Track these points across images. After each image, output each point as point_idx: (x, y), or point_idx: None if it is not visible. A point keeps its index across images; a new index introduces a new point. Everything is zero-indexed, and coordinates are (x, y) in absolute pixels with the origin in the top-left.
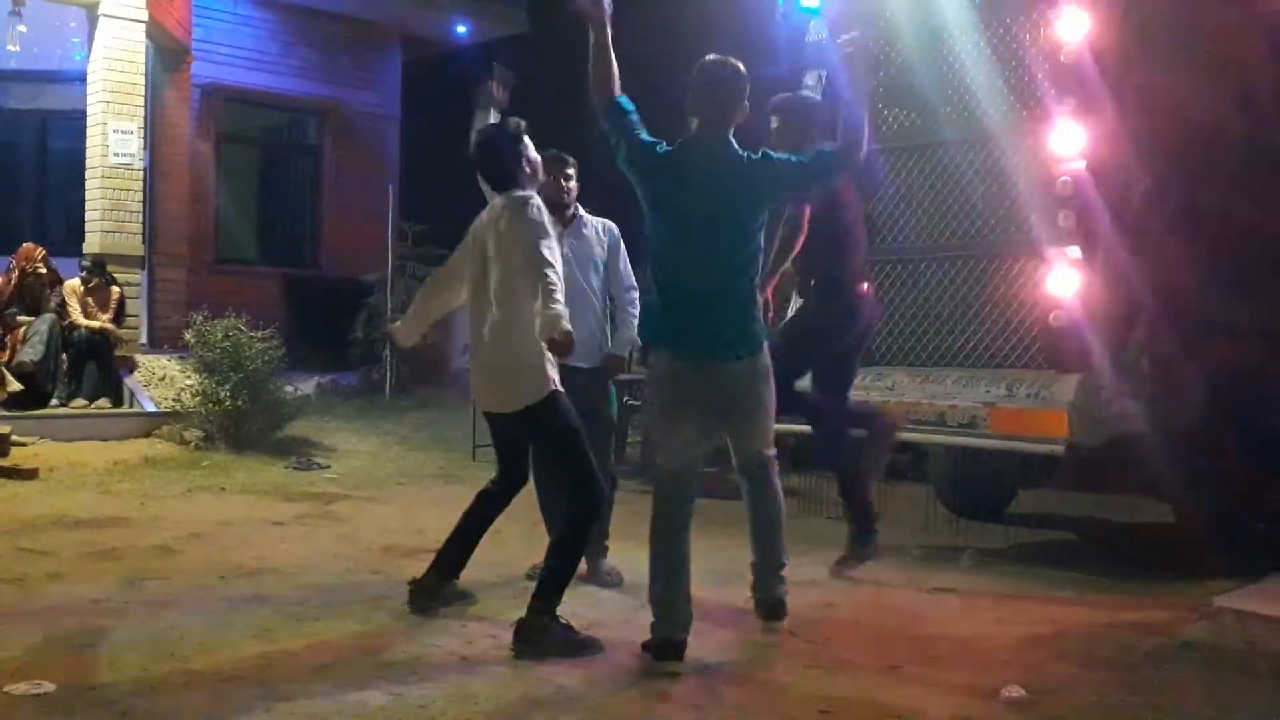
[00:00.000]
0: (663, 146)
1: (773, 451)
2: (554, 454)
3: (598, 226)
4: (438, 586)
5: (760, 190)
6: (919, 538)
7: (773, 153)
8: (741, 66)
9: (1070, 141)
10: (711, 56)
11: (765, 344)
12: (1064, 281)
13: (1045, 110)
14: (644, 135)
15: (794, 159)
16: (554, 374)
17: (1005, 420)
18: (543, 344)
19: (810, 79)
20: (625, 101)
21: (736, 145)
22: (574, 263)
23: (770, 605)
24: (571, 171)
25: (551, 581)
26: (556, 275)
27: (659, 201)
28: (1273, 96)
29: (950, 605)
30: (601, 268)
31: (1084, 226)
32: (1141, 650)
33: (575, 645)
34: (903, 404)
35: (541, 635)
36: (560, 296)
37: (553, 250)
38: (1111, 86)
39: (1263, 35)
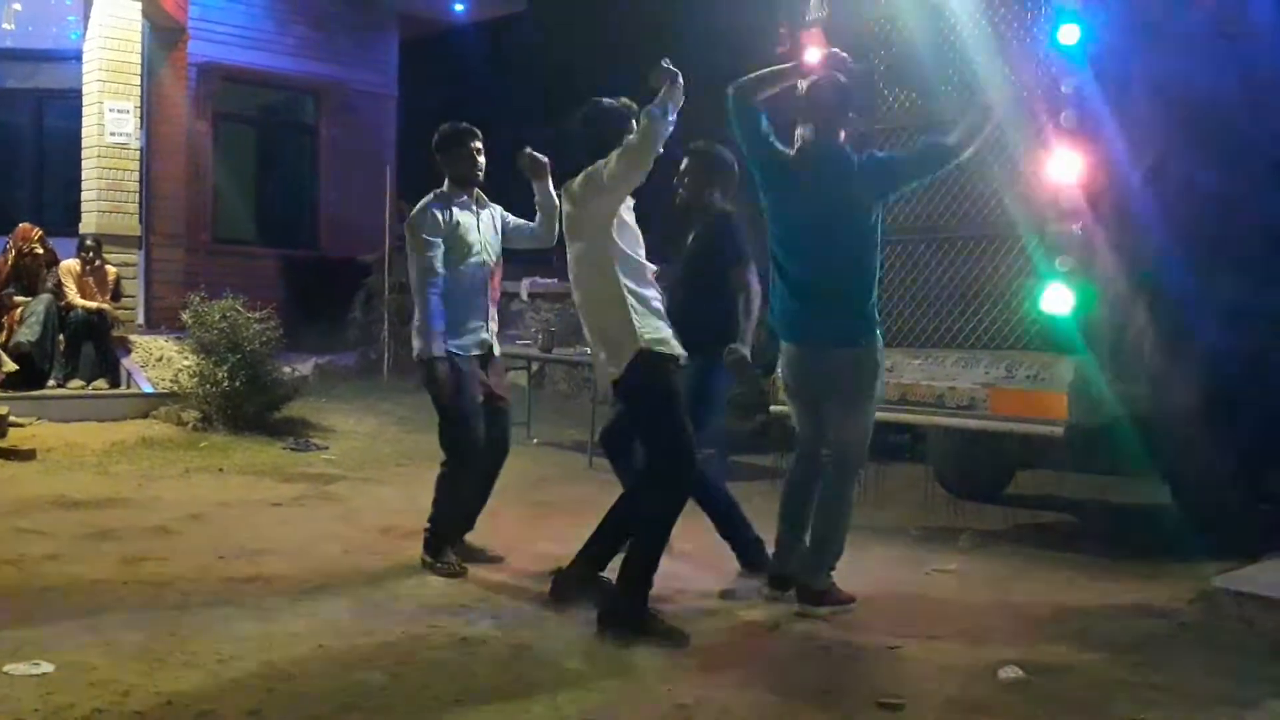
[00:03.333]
0: (786, 155)
1: (857, 457)
2: (640, 428)
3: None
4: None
5: (869, 189)
6: (917, 519)
7: (879, 152)
8: (844, 81)
9: (1072, 122)
10: (816, 77)
11: (873, 339)
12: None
13: (1047, 90)
14: (772, 140)
15: (901, 155)
16: (656, 345)
17: (1005, 401)
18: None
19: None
20: (762, 111)
21: (848, 151)
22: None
23: (788, 578)
24: (479, 145)
25: (632, 568)
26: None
27: (778, 201)
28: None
29: (948, 586)
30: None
31: (1086, 207)
32: (1139, 631)
33: (660, 634)
34: (901, 385)
35: (624, 621)
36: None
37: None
38: (1114, 68)
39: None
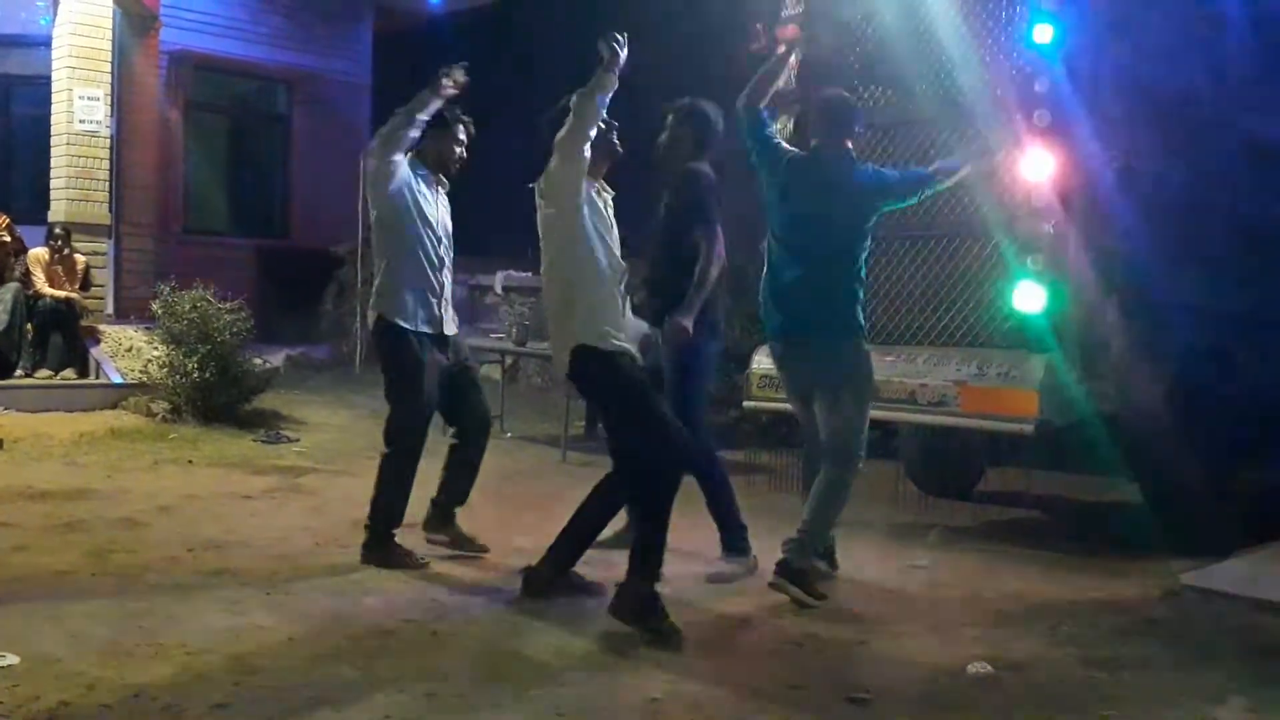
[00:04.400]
0: (792, 154)
1: (851, 447)
2: (612, 418)
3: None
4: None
5: (868, 197)
6: (888, 515)
7: (879, 168)
8: (852, 98)
9: (1044, 121)
10: (828, 90)
11: (858, 337)
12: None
13: (1021, 88)
14: (776, 142)
15: (894, 175)
16: (594, 341)
17: (975, 399)
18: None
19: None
20: (766, 115)
21: (853, 160)
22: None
23: (779, 565)
24: (465, 137)
25: (639, 551)
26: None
27: (781, 198)
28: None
29: (918, 582)
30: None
31: (1058, 205)
32: (1107, 627)
33: (658, 634)
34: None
35: (632, 603)
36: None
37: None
38: (1088, 66)
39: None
